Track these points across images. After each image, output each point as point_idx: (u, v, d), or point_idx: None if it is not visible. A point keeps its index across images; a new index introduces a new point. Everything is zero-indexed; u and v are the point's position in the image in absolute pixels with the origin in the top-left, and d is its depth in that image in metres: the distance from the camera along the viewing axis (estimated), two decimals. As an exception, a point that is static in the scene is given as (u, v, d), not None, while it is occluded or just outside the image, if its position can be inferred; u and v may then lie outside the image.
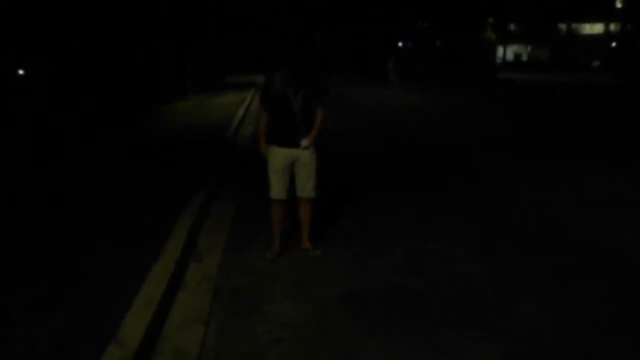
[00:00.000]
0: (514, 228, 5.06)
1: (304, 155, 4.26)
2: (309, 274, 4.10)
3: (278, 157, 4.26)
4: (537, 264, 4.18)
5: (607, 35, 55.48)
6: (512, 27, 53.48)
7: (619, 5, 54.41)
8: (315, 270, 4.17)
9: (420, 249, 4.59)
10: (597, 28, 57.07)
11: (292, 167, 4.31)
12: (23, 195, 6.36)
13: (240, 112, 15.24)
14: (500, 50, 54.35)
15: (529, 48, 57.36)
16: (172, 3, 21.84)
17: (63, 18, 16.84)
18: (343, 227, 5.24)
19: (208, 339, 3.21)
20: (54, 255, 4.32)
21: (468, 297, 3.65)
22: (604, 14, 54.25)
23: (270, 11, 50.48)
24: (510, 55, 56.76)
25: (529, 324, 3.27)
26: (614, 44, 51.11)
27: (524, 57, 57.48)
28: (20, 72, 19.16)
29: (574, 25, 55.74)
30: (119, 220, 5.19)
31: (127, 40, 19.82)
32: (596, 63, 49.89)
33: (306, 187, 4.36)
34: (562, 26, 54.98)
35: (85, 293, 3.61)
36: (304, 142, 4.19)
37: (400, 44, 51.60)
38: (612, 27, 56.27)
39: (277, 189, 4.35)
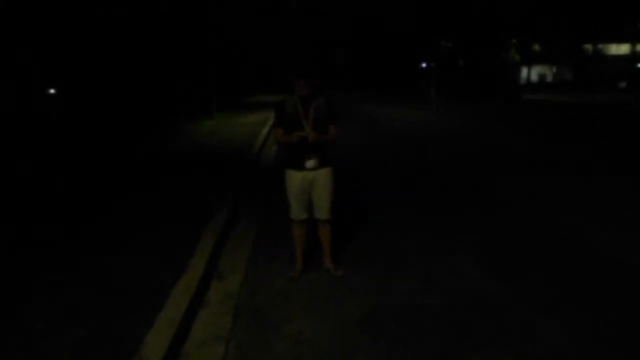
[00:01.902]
0: (532, 247, 5.01)
1: (320, 177, 4.30)
2: (329, 293, 4.12)
3: (294, 180, 4.31)
4: (556, 284, 4.13)
5: (633, 56, 54.84)
6: (536, 47, 53.13)
7: (645, 26, 53.83)
8: (335, 290, 4.19)
9: (437, 267, 4.59)
10: (623, 48, 56.44)
11: (310, 188, 4.36)
12: (58, 201, 6.54)
13: (264, 131, 15.42)
14: (524, 71, 54.03)
15: (554, 69, 56.87)
16: (194, 27, 22.38)
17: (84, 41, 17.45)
18: (361, 246, 5.26)
19: (228, 356, 3.24)
20: (77, 271, 4.42)
21: (485, 317, 3.63)
22: (630, 34, 53.68)
23: (294, 29, 51.30)
24: (534, 76, 56.33)
25: (548, 345, 3.23)
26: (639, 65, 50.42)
27: (549, 78, 56.96)
28: (52, 91, 19.72)
29: (600, 46, 55.21)
30: (148, 235, 5.29)
31: (153, 62, 20.37)
32: (622, 84, 49.21)
33: (322, 209, 4.39)
34: (588, 47, 54.49)
35: (107, 309, 3.69)
36: (310, 163, 4.23)
37: (424, 65, 51.76)
38: (639, 47, 55.66)
39: (296, 210, 4.42)
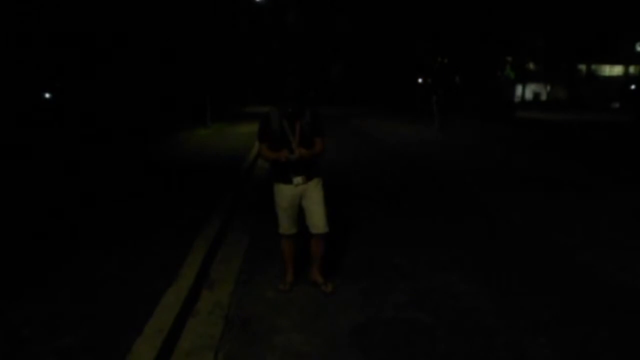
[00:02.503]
0: (525, 262, 5.02)
1: (310, 188, 4.26)
2: (320, 307, 4.10)
3: (284, 194, 4.28)
4: (549, 303, 4.12)
5: (626, 77, 55.57)
6: (531, 66, 53.66)
7: (639, 48, 54.65)
8: (326, 303, 4.17)
9: (428, 283, 4.57)
10: (616, 70, 57.22)
11: (300, 201, 4.32)
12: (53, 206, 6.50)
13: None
14: (519, 89, 54.53)
15: (548, 87, 57.40)
16: (193, 38, 22.47)
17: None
18: (352, 260, 5.23)
19: (217, 367, 3.22)
20: (68, 277, 4.38)
21: (476, 335, 3.62)
22: (624, 56, 54.47)
23: (290, 43, 51.61)
24: (529, 94, 56.85)
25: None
26: (633, 86, 51.00)
27: (543, 97, 57.49)
28: (47, 95, 19.70)
29: (593, 66, 55.88)
30: (139, 242, 5.26)
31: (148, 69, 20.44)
32: (616, 105, 49.75)
33: (318, 223, 4.31)
34: (582, 67, 55.14)
35: (96, 316, 3.65)
36: (297, 180, 4.20)
37: (420, 80, 52.17)
38: (632, 69, 56.51)
39: (285, 225, 4.38)
